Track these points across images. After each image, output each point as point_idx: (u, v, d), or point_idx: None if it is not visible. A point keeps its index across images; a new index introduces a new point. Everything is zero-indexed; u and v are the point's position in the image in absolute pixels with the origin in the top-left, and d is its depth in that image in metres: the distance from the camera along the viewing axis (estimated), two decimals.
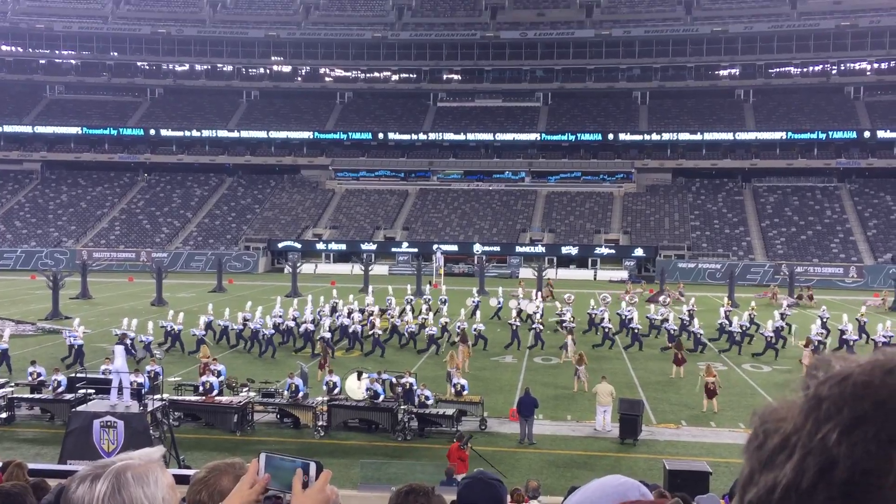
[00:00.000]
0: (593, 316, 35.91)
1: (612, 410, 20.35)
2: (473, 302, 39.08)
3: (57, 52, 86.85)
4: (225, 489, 2.12)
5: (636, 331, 32.59)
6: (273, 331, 31.08)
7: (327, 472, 1.78)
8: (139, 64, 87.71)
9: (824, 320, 33.95)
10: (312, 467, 1.79)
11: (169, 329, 31.32)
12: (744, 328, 33.06)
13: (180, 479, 2.22)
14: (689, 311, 36.17)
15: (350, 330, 31.75)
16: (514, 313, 35.39)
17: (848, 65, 78.99)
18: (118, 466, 1.73)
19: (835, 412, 0.81)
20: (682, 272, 61.73)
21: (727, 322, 33.72)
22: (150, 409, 17.15)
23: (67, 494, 1.72)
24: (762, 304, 43.69)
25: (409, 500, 2.95)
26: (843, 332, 31.38)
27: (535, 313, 35.31)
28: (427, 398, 20.19)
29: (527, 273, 57.74)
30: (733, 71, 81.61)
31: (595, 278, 63.48)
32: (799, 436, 0.82)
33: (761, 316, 37.03)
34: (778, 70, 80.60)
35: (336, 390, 21.02)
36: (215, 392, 20.88)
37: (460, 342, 28.62)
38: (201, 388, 20.97)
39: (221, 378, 21.85)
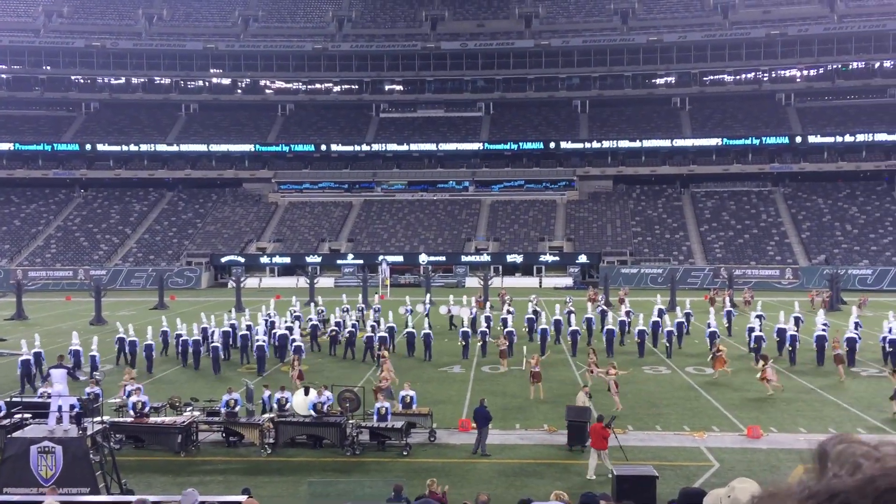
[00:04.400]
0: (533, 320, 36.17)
1: None
2: (406, 310, 38.55)
3: None
4: None
5: (576, 331, 33.31)
6: (220, 344, 30.60)
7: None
8: (73, 78, 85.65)
9: (762, 319, 34.25)
10: None
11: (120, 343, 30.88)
12: (681, 326, 33.69)
13: None
14: (626, 311, 36.79)
15: (285, 338, 31.57)
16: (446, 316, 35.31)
17: (778, 72, 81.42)
18: None
19: None
20: (626, 277, 62.64)
21: (661, 321, 34.25)
22: (89, 432, 16.65)
23: None
24: (698, 306, 44.27)
25: None
26: (780, 330, 31.88)
27: (472, 318, 35.61)
28: (387, 410, 20.00)
29: (473, 282, 57.81)
30: (669, 79, 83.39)
31: (540, 286, 64.02)
32: None
33: (699, 318, 37.78)
34: (712, 78, 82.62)
35: (287, 405, 20.76)
36: (147, 409, 20.39)
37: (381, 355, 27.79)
38: (131, 409, 20.41)
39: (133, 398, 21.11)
